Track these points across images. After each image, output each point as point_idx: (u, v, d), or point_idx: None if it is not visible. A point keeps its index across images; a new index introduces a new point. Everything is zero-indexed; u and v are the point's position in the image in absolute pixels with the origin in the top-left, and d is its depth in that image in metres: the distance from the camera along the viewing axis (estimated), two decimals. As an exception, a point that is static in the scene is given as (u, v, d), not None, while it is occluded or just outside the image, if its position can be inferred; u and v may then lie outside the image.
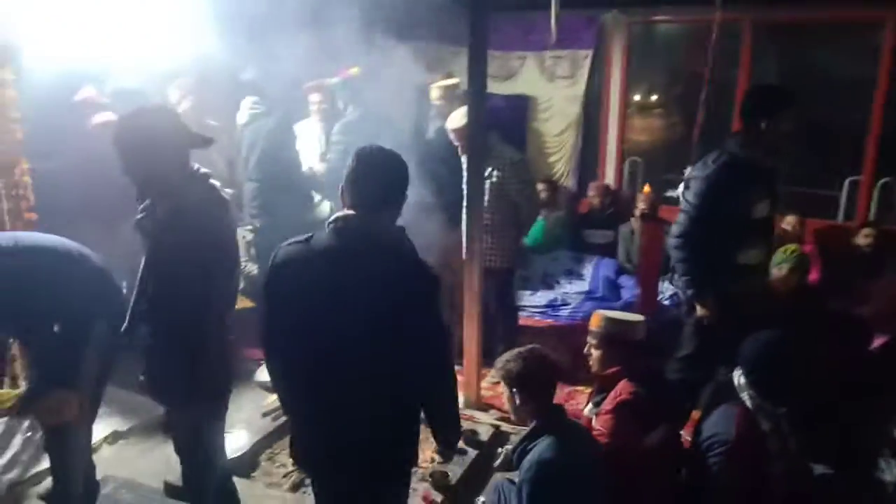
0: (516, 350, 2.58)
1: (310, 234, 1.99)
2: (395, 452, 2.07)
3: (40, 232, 3.02)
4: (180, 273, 2.19)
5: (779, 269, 3.82)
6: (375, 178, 1.94)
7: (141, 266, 2.37)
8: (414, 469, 3.13)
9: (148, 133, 2.21)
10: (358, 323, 1.87)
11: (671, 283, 3.52)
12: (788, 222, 5.11)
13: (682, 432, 3.19)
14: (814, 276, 4.64)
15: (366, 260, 1.90)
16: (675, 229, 3.21)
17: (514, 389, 2.51)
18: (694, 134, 4.18)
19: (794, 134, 3.12)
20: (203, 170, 2.39)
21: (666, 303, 4.95)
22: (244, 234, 4.61)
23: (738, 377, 2.51)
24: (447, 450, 2.34)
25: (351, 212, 1.94)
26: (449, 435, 2.28)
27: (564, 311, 5.05)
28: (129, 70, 4.12)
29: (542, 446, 2.38)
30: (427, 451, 3.32)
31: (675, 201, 4.34)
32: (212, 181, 2.40)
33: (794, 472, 2.48)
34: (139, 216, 2.34)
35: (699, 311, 3.20)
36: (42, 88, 3.47)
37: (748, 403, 2.46)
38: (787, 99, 3.07)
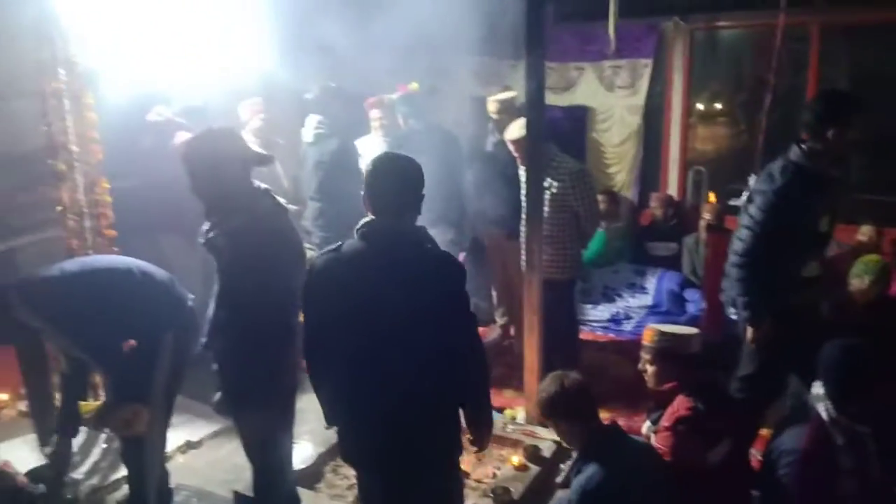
0: (548, 378, 2.54)
1: (339, 243, 2.10)
2: (442, 441, 2.15)
3: (119, 247, 3.19)
4: (257, 283, 2.27)
5: (860, 280, 3.63)
6: (393, 184, 2.06)
7: (216, 281, 2.47)
8: (476, 484, 3.15)
9: (214, 153, 2.33)
10: (396, 319, 1.96)
11: (720, 296, 3.37)
12: (864, 233, 4.86)
13: (751, 451, 3.07)
14: (894, 288, 4.42)
15: (396, 260, 2.01)
16: (737, 246, 3.03)
17: (550, 419, 2.48)
18: (758, 141, 4.05)
19: (864, 140, 2.98)
20: (264, 186, 2.49)
21: (734, 317, 4.79)
22: (307, 252, 4.71)
23: (816, 387, 2.42)
24: (480, 440, 2.28)
25: (374, 217, 2.06)
26: (482, 423, 2.27)
27: (627, 326, 4.96)
28: (198, 89, 4.31)
29: (586, 474, 2.33)
30: (489, 466, 3.31)
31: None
32: (274, 195, 2.50)
33: (872, 492, 2.36)
34: (209, 235, 2.43)
35: (751, 334, 3.06)
36: (118, 110, 3.66)
37: (823, 415, 2.37)
38: (856, 105, 2.90)
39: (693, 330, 2.73)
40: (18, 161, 4.15)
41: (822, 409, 2.39)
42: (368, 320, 1.98)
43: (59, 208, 3.60)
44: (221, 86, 4.33)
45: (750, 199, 3.08)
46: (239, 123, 4.72)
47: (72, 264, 2.78)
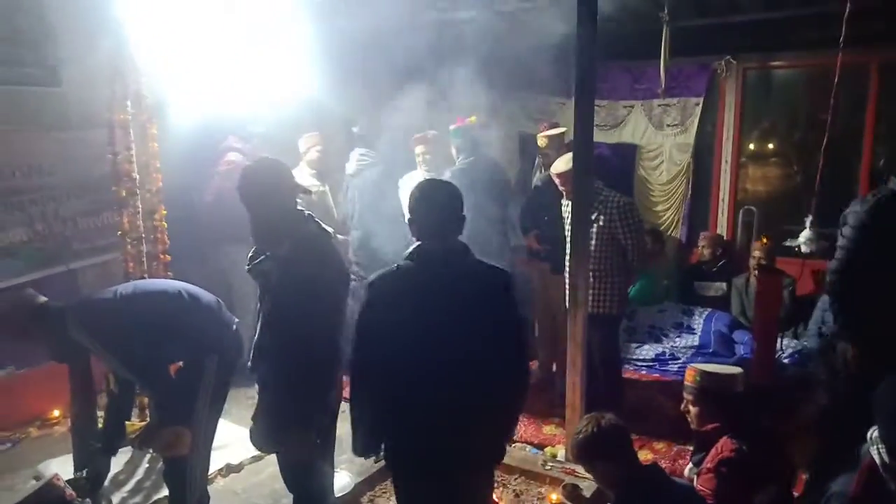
0: (584, 418, 2.49)
1: (395, 266, 2.19)
2: (491, 444, 2.29)
3: (174, 271, 3.31)
4: (303, 308, 2.32)
5: None
6: (438, 209, 2.18)
7: (260, 307, 2.53)
8: None
9: (264, 183, 2.44)
10: (451, 330, 2.08)
11: (795, 337, 3.28)
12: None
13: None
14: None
15: (448, 275, 2.14)
16: (832, 265, 3.04)
17: (586, 461, 2.42)
18: (815, 182, 3.95)
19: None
20: (308, 212, 2.57)
21: (785, 360, 4.64)
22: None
23: (872, 431, 2.31)
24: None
25: (421, 242, 2.18)
26: (509, 431, 2.42)
27: (673, 366, 4.84)
28: (261, 120, 4.51)
29: None
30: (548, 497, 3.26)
31: (794, 252, 4.09)
32: (318, 221, 2.57)
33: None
34: (255, 261, 2.51)
35: (849, 353, 2.99)
36: (184, 139, 3.85)
37: (876, 459, 2.26)
38: None
39: (736, 369, 2.66)
40: (86, 187, 4.40)
41: (876, 454, 2.28)
42: (426, 333, 2.09)
43: (119, 233, 3.77)
44: (283, 118, 4.52)
45: (844, 222, 3.05)
46: (298, 155, 4.90)
47: (125, 287, 2.91)
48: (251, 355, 2.59)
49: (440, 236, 2.17)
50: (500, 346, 2.15)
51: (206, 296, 2.93)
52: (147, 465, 3.58)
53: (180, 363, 2.87)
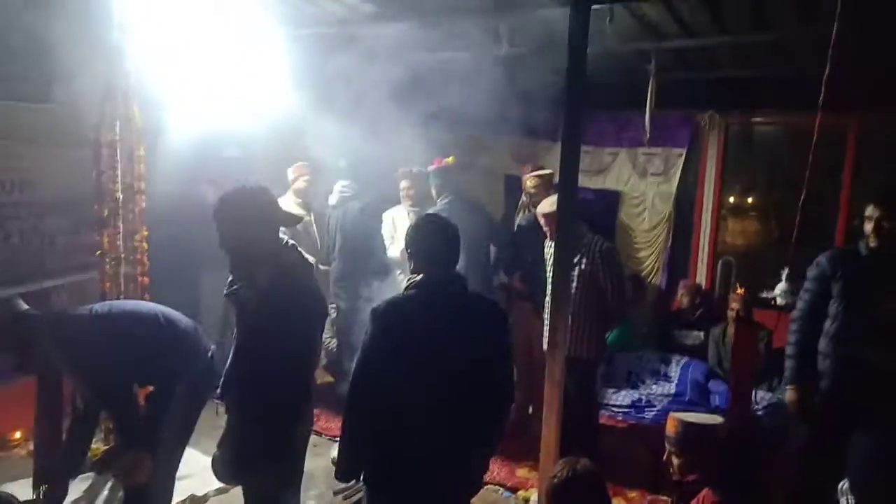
0: (560, 462, 2.46)
1: (399, 295, 2.28)
2: (473, 481, 2.42)
3: (153, 294, 3.27)
4: (279, 338, 2.30)
5: None
6: (440, 241, 2.32)
7: (236, 334, 2.49)
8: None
9: (244, 211, 2.36)
10: (451, 356, 2.19)
11: (770, 389, 3.35)
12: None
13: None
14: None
15: (451, 304, 2.27)
16: (793, 314, 3.19)
17: None
18: (793, 235, 4.03)
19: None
20: (291, 241, 2.54)
21: (760, 412, 4.65)
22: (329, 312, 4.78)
23: (842, 483, 2.32)
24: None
25: (422, 276, 2.27)
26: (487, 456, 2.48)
27: (649, 413, 4.84)
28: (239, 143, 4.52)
29: None
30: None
31: (770, 304, 4.15)
32: (300, 250, 2.55)
33: None
34: (233, 287, 2.46)
35: (788, 395, 3.10)
36: (173, 163, 3.84)
37: None
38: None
39: (717, 419, 2.65)
40: (67, 205, 4.36)
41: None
42: (430, 359, 2.19)
43: (98, 252, 3.73)
44: (269, 144, 4.53)
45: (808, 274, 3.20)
46: (286, 183, 4.91)
47: (101, 306, 2.86)
48: (222, 381, 2.54)
49: (442, 266, 2.29)
50: (495, 372, 2.28)
51: (183, 320, 2.88)
52: (107, 493, 3.48)
53: (150, 388, 2.81)
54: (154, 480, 2.67)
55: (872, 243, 2.93)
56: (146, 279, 3.83)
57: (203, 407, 2.89)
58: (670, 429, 2.61)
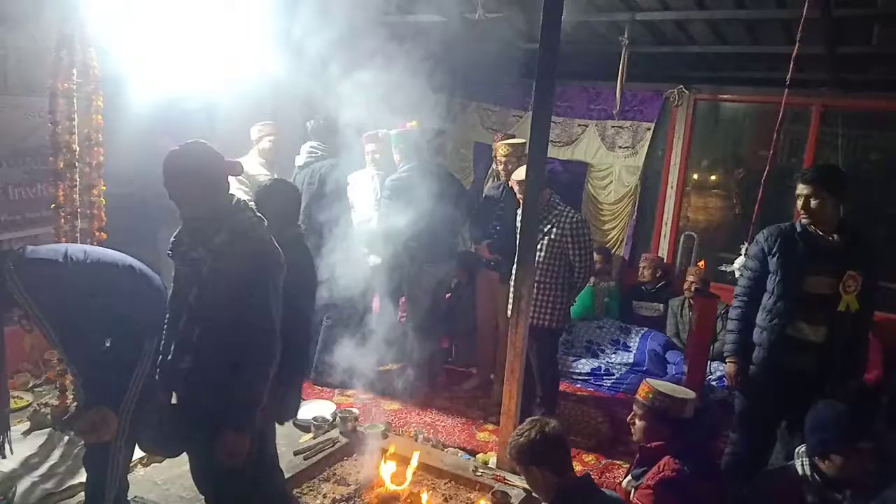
0: (527, 421, 2.50)
1: None
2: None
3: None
4: (246, 296, 2.25)
5: None
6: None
7: (188, 296, 2.38)
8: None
9: (194, 166, 2.29)
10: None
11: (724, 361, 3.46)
12: None
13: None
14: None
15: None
16: (735, 290, 3.30)
17: (523, 464, 2.42)
18: (754, 211, 4.11)
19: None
20: (244, 199, 2.46)
21: (713, 383, 4.79)
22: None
23: (800, 446, 2.47)
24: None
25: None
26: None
27: (607, 381, 4.94)
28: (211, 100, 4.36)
29: None
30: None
31: (729, 278, 4.25)
32: (253, 209, 2.46)
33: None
34: (182, 248, 2.38)
35: (727, 367, 3.24)
36: (133, 115, 3.70)
37: (798, 471, 2.39)
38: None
39: (690, 394, 2.65)
40: (20, 156, 4.19)
41: (799, 466, 2.41)
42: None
43: (52, 206, 3.61)
44: (233, 100, 4.40)
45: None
46: (249, 142, 4.80)
47: (76, 250, 2.67)
48: (171, 351, 2.44)
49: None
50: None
51: (157, 277, 2.79)
52: (62, 450, 3.43)
53: (115, 341, 2.66)
54: (117, 438, 2.60)
55: (803, 220, 3.02)
56: (103, 235, 3.71)
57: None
58: (641, 394, 2.64)
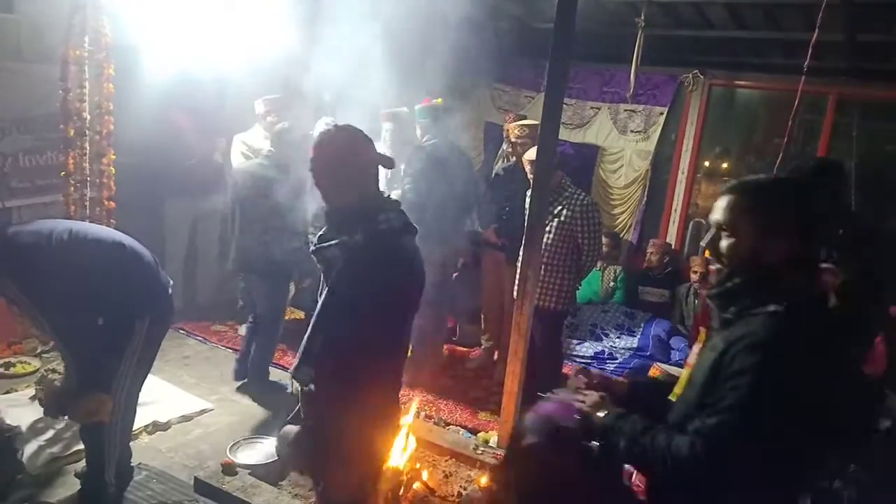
0: (533, 418, 2.01)
1: None
2: None
3: (118, 219, 3.14)
4: (365, 307, 1.98)
5: None
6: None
7: (320, 299, 2.15)
8: (440, 502, 3.13)
9: (347, 154, 2.09)
10: None
11: None
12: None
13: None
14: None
15: None
16: None
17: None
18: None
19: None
20: (393, 195, 2.28)
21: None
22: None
23: None
24: None
25: None
26: None
27: (610, 365, 4.95)
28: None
29: None
30: (455, 485, 3.29)
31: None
32: (401, 210, 2.19)
33: None
34: (322, 244, 2.13)
35: None
36: (144, 85, 3.68)
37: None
38: None
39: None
40: (31, 124, 4.18)
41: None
42: None
43: (62, 174, 3.62)
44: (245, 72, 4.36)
45: None
46: (255, 116, 4.77)
47: (61, 230, 2.54)
48: (299, 356, 2.13)
49: None
50: None
51: (147, 253, 2.69)
52: (61, 426, 3.45)
53: (107, 320, 2.57)
54: (112, 417, 2.56)
55: None
56: (112, 204, 3.73)
57: (161, 343, 2.81)
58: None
